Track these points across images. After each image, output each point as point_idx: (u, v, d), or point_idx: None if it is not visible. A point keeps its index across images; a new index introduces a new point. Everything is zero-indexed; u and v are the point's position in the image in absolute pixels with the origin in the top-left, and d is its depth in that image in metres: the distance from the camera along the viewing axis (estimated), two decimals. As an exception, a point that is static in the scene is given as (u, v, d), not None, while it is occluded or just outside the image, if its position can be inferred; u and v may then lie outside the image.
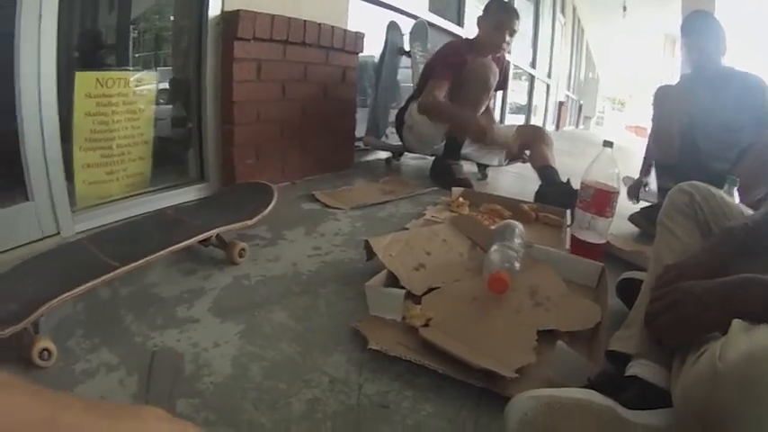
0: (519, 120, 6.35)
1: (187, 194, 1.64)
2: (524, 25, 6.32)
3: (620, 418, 0.68)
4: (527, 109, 6.68)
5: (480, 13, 2.44)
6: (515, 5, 5.31)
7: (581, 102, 13.32)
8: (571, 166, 3.87)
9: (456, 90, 2.24)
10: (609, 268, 1.19)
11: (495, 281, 0.99)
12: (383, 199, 1.84)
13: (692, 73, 2.06)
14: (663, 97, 2.03)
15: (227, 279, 1.06)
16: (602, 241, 1.41)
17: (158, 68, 1.72)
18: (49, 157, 1.20)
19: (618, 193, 1.39)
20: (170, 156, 1.72)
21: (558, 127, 9.25)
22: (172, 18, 1.81)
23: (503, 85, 2.60)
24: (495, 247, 1.09)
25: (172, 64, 1.79)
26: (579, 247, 1.38)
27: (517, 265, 1.05)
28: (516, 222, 1.27)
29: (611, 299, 1.07)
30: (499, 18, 2.36)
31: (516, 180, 2.64)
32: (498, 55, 2.47)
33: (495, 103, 4.88)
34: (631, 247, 1.53)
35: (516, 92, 6.27)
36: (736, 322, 0.63)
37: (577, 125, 12.84)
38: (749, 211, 0.97)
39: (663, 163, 2.10)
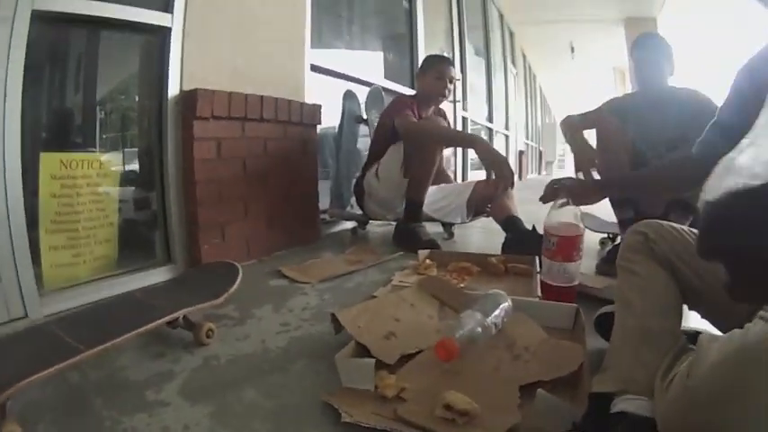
0: (482, 175, 6.56)
1: (154, 276, 1.66)
2: (477, 80, 6.64)
3: None
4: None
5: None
6: (467, 61, 5.64)
7: (541, 148, 13.79)
8: (537, 213, 4.01)
9: (407, 151, 2.31)
10: (584, 307, 1.23)
11: (439, 347, 0.98)
12: (350, 269, 1.86)
13: (638, 90, 2.19)
14: (608, 112, 2.12)
15: (197, 361, 1.07)
16: (574, 283, 1.43)
17: (124, 149, 1.77)
18: (15, 238, 1.24)
19: (582, 234, 1.41)
20: (136, 238, 1.75)
21: (520, 176, 9.52)
22: (137, 98, 1.86)
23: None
24: (463, 313, 1.10)
25: (137, 145, 1.83)
26: (551, 292, 1.41)
27: (478, 331, 1.05)
28: (503, 294, 1.24)
29: (592, 338, 1.12)
30: (438, 68, 2.51)
31: (483, 234, 2.71)
32: (439, 107, 2.64)
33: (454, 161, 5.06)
34: (602, 283, 1.58)
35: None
36: (702, 336, 0.68)
37: (540, 171, 13.24)
38: None
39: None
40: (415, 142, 2.27)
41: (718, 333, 0.92)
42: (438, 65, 2.54)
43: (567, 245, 1.40)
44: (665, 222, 1.02)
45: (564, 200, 1.40)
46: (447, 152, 3.04)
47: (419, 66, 2.65)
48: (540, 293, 1.52)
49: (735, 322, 0.77)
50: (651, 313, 0.91)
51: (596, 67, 11.10)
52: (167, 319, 1.07)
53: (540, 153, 12.88)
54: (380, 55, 4.07)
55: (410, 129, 2.29)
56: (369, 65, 3.89)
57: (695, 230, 0.97)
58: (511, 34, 9.43)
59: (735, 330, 0.65)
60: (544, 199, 1.44)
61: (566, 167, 19.18)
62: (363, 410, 0.86)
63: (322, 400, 0.90)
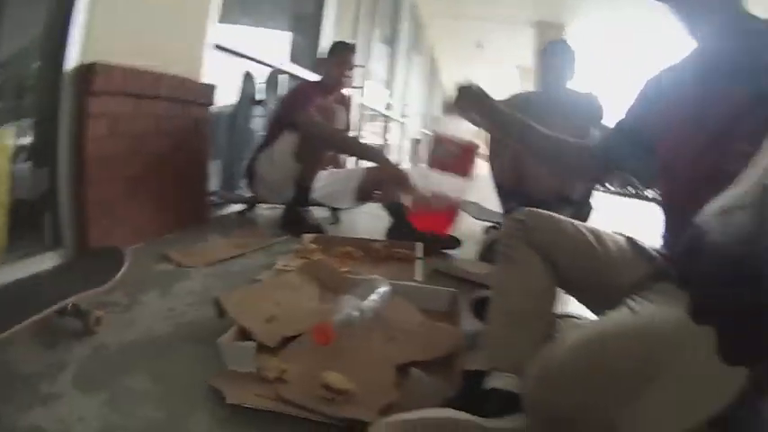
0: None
1: (43, 262, 1.60)
2: (380, 68, 6.78)
3: (480, 428, 0.76)
4: (382, 148, 6.99)
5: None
6: (373, 49, 5.75)
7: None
8: None
9: (304, 139, 2.40)
10: (463, 291, 1.36)
11: (317, 331, 1.03)
12: (236, 253, 1.91)
13: (542, 91, 2.42)
14: (511, 105, 2.30)
15: (87, 350, 1.09)
16: (451, 208, 1.35)
17: (18, 122, 1.66)
18: None
19: (478, 147, 1.31)
20: (26, 220, 1.66)
21: (415, 164, 9.89)
22: (34, 67, 1.75)
23: (348, 128, 2.83)
24: (341, 298, 1.17)
25: (31, 117, 1.72)
26: (428, 219, 1.33)
27: (355, 315, 1.12)
28: (381, 279, 1.31)
29: (469, 320, 1.22)
30: (342, 56, 2.63)
31: (370, 219, 2.82)
32: (342, 94, 2.76)
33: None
34: (484, 270, 1.66)
35: (372, 133, 6.63)
36: (564, 322, 0.79)
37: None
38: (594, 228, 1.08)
39: (499, 182, 2.37)
40: (313, 141, 2.37)
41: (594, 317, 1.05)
42: (342, 52, 2.64)
43: (468, 158, 1.30)
44: (542, 211, 1.06)
45: (462, 109, 1.28)
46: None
47: (325, 52, 2.73)
48: (417, 276, 1.59)
49: (606, 307, 0.89)
50: (524, 297, 0.97)
51: (501, 65, 11.48)
52: (55, 308, 1.08)
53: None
54: (288, 37, 4.05)
55: (311, 131, 2.37)
56: (275, 46, 3.85)
57: (576, 220, 1.07)
58: (420, 25, 9.59)
59: (596, 318, 0.77)
60: (447, 109, 1.36)
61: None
62: (246, 392, 0.92)
63: (208, 383, 0.95)
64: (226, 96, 2.88)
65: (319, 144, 2.43)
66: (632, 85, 1.15)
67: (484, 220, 2.76)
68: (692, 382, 0.68)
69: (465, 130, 1.29)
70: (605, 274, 0.99)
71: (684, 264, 0.63)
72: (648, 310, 0.80)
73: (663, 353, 0.68)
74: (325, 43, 4.13)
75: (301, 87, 2.68)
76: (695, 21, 0.91)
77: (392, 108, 7.61)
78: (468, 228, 2.72)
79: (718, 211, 0.57)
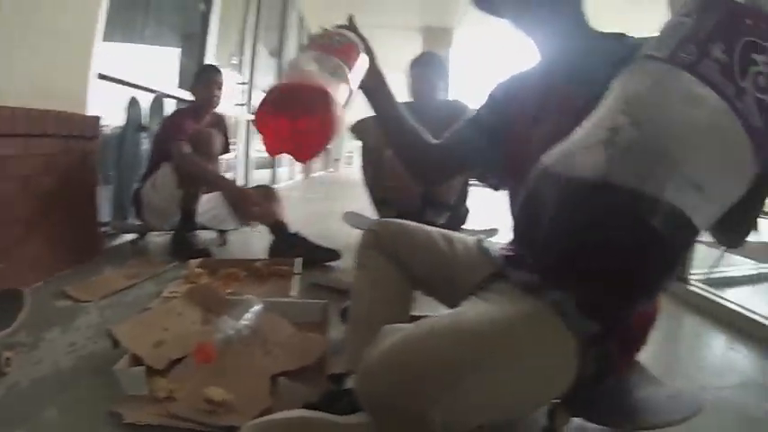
0: (264, 173, 6.83)
1: None
2: (267, 81, 6.84)
3: (331, 423, 0.83)
4: (271, 163, 7.16)
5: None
6: (259, 64, 5.85)
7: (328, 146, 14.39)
8: (320, 212, 4.34)
9: (187, 161, 2.50)
10: (337, 300, 1.53)
11: (198, 351, 1.16)
12: (129, 284, 2.02)
13: (409, 102, 2.47)
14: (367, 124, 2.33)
15: (2, 389, 1.19)
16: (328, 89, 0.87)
17: None
18: None
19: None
20: None
21: (306, 175, 9.95)
22: None
23: (226, 147, 3.01)
24: (219, 320, 1.34)
25: None
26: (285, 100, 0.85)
27: (232, 333, 1.28)
28: (254, 299, 1.45)
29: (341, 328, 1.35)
30: (206, 78, 2.77)
31: (257, 238, 2.94)
32: (217, 114, 2.91)
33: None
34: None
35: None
36: (386, 327, 0.78)
37: (326, 169, 13.88)
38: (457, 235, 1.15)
39: (372, 191, 2.54)
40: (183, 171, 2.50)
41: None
42: (207, 73, 2.81)
43: (356, 55, 0.98)
44: (396, 220, 1.14)
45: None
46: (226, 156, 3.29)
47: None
48: (292, 292, 1.72)
49: (456, 301, 0.96)
50: (378, 302, 1.06)
51: (390, 72, 11.87)
52: None
53: (328, 150, 13.46)
54: (176, 58, 4.13)
55: (180, 163, 2.49)
56: (162, 69, 3.94)
57: (429, 226, 1.15)
58: (308, 37, 9.78)
59: (420, 321, 0.77)
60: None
61: (353, 164, 20.23)
62: (141, 412, 1.05)
63: (109, 409, 1.07)
64: (112, 122, 2.96)
65: (190, 176, 2.55)
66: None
67: (363, 229, 2.95)
68: (532, 367, 0.74)
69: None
70: (454, 276, 1.05)
71: (530, 211, 0.64)
72: (478, 308, 0.85)
73: (492, 344, 0.72)
74: (210, 61, 4.25)
75: (173, 118, 2.78)
76: (537, 35, 0.97)
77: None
78: (348, 237, 2.90)
79: (561, 152, 0.59)
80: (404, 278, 1.09)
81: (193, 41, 4.29)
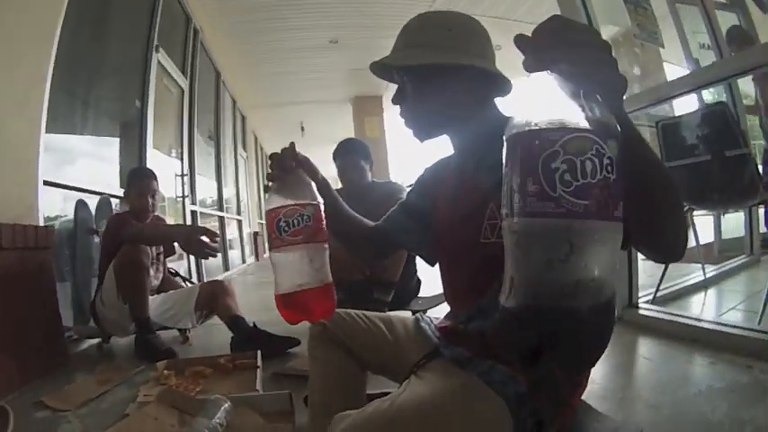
0: (216, 259, 6.86)
1: None
2: (207, 168, 7.00)
3: None
4: (222, 248, 7.26)
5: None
6: (197, 151, 5.96)
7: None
8: (270, 297, 4.44)
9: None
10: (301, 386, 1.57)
11: None
12: (102, 390, 2.07)
13: (345, 187, 2.62)
14: None
15: None
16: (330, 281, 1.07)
17: None
18: None
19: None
20: None
21: (257, 257, 10.02)
22: None
23: (170, 251, 3.09)
24: (194, 421, 1.41)
25: None
26: (313, 304, 1.06)
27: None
28: (223, 399, 1.52)
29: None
30: (138, 185, 2.84)
31: (218, 331, 3.00)
32: (157, 220, 2.98)
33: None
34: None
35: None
36: (337, 415, 0.86)
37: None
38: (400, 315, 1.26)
39: None
40: (140, 242, 2.59)
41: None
42: (137, 181, 2.87)
43: (321, 217, 1.08)
44: (340, 310, 1.20)
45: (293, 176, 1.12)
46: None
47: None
48: (257, 385, 1.83)
49: (402, 380, 1.02)
50: (331, 389, 1.15)
51: (325, 143, 12.22)
52: None
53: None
54: (116, 160, 4.24)
55: (131, 236, 2.57)
56: (104, 171, 4.06)
57: (370, 312, 1.25)
58: (243, 118, 10.05)
59: (365, 407, 0.85)
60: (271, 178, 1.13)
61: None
62: None
63: None
64: (62, 223, 3.07)
65: (146, 242, 2.63)
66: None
67: None
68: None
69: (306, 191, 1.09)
70: (396, 357, 1.14)
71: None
72: (414, 389, 0.90)
73: (428, 424, 0.80)
74: (149, 149, 4.40)
75: (116, 217, 2.87)
76: (448, 135, 1.12)
77: (225, 207, 7.82)
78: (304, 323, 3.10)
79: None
80: (353, 363, 1.19)
81: (132, 136, 4.44)
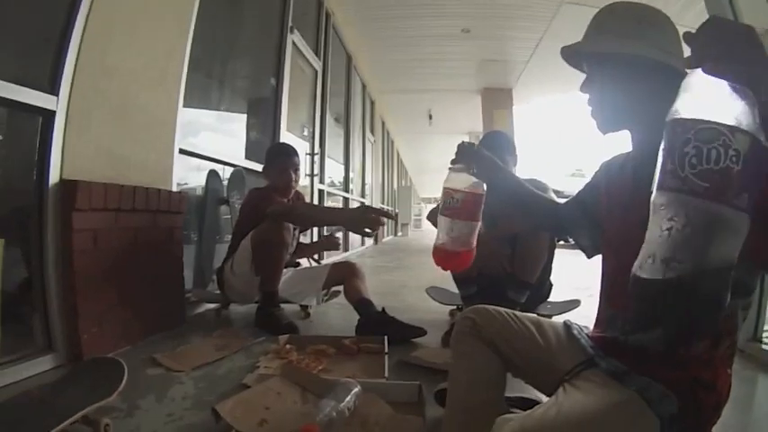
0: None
1: (37, 366, 1.79)
2: (335, 149, 7.16)
3: None
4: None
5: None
6: (327, 132, 6.11)
7: (396, 210, 14.66)
8: (395, 282, 4.39)
9: (254, 248, 2.58)
10: (428, 379, 1.56)
11: None
12: (219, 356, 2.07)
13: None
14: None
15: None
16: (473, 248, 1.48)
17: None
18: None
19: (484, 195, 1.44)
20: (16, 326, 1.82)
21: (376, 241, 10.11)
22: (18, 183, 1.97)
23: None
24: (321, 401, 1.36)
25: (16, 232, 1.91)
26: (449, 260, 1.48)
27: (335, 416, 1.30)
28: (353, 381, 1.47)
29: (435, 408, 1.39)
30: (281, 161, 2.82)
31: (339, 312, 3.01)
32: (297, 195, 2.95)
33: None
34: (442, 359, 1.81)
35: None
36: (499, 419, 0.86)
37: (396, 233, 14.03)
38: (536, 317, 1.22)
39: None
40: (290, 222, 2.58)
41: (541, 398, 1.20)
42: (281, 157, 2.85)
43: (472, 202, 1.44)
44: (490, 307, 1.20)
45: (461, 165, 1.45)
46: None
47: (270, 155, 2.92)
48: (385, 372, 1.79)
49: (549, 388, 1.05)
50: (475, 388, 1.10)
51: (452, 132, 12.18)
52: (73, 419, 1.24)
53: (396, 215, 13.77)
54: (245, 135, 4.34)
55: (283, 213, 2.57)
56: (235, 145, 4.17)
57: (520, 313, 1.22)
58: (372, 102, 10.18)
59: (529, 412, 0.88)
60: (454, 161, 1.48)
61: (422, 227, 20.46)
62: None
63: None
64: (191, 192, 3.14)
65: (296, 222, 2.64)
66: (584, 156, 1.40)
67: (447, 304, 2.97)
68: None
69: (467, 181, 1.44)
70: (547, 362, 1.12)
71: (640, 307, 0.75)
72: (575, 398, 0.93)
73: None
74: (283, 127, 4.49)
75: (259, 192, 2.87)
76: (630, 127, 1.10)
77: (350, 189, 7.96)
78: (431, 311, 3.02)
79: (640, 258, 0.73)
80: (499, 363, 1.16)
81: (266, 114, 4.58)
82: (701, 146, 0.64)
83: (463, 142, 1.48)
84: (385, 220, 2.24)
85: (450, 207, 1.44)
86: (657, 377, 0.90)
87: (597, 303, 1.18)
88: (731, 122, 0.63)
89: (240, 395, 1.50)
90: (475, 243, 1.48)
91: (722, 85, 0.64)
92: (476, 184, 1.44)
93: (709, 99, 0.66)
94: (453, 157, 1.48)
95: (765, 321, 2.37)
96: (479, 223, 1.47)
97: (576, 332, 1.17)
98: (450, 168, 1.47)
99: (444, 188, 1.46)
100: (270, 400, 1.49)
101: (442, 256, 1.47)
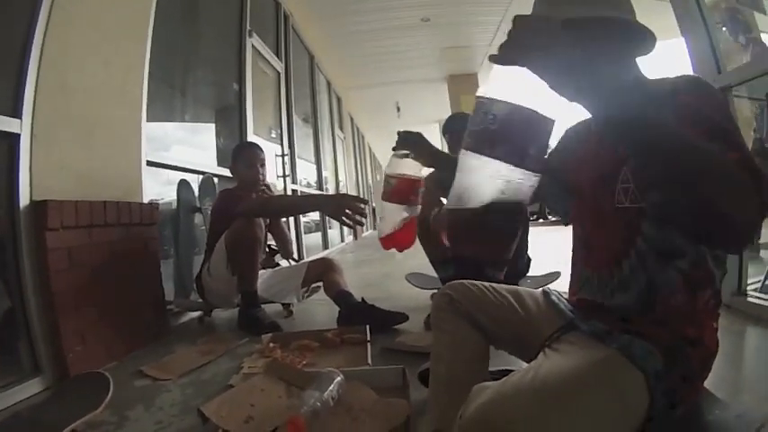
0: (316, 237, 7.03)
1: (25, 390, 1.78)
2: (305, 149, 7.17)
3: None
4: (322, 226, 7.38)
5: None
6: (295, 132, 6.12)
7: (373, 205, 14.61)
8: (375, 274, 4.44)
9: (228, 248, 2.57)
10: (411, 362, 1.57)
11: (289, 424, 1.17)
12: (204, 361, 2.08)
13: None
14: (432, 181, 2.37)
15: None
16: (396, 230, 1.50)
17: None
18: None
19: (421, 181, 1.49)
20: (2, 351, 1.84)
21: (356, 236, 10.16)
22: None
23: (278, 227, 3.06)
24: (305, 393, 1.36)
25: None
26: (389, 241, 1.52)
27: (319, 406, 1.31)
28: (335, 372, 1.47)
29: (420, 390, 1.42)
30: (246, 156, 2.82)
31: (321, 308, 3.03)
32: (265, 187, 2.91)
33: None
34: (426, 342, 1.77)
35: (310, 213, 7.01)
36: (476, 386, 0.84)
37: (375, 228, 14.00)
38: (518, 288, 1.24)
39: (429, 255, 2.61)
40: (265, 216, 2.61)
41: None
42: (245, 152, 2.86)
43: (405, 186, 1.48)
44: (466, 281, 1.21)
45: (405, 151, 1.51)
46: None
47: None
48: (368, 359, 1.82)
49: (532, 356, 1.02)
50: (457, 362, 1.11)
51: (422, 122, 12.07)
52: None
53: (374, 209, 13.71)
54: (213, 142, 4.35)
55: (256, 211, 2.58)
56: (203, 153, 4.17)
57: (497, 284, 1.24)
58: (338, 99, 10.15)
59: (506, 378, 0.84)
60: (395, 148, 1.53)
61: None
62: None
63: None
64: (164, 204, 3.13)
65: (271, 215, 2.67)
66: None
67: (428, 288, 3.02)
68: (609, 409, 0.81)
69: (404, 166, 1.49)
70: (527, 330, 1.13)
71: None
72: (554, 361, 0.91)
73: (572, 395, 0.79)
74: (250, 131, 4.49)
75: (227, 192, 2.87)
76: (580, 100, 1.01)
77: (324, 187, 7.97)
78: (414, 298, 3.05)
79: None
80: (479, 336, 1.16)
81: (232, 119, 4.56)
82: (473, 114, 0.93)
83: (404, 131, 1.55)
84: (363, 206, 2.22)
85: (386, 191, 1.50)
86: (640, 335, 0.91)
87: (570, 267, 1.19)
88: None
89: (225, 394, 1.51)
90: (402, 224, 1.51)
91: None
92: (413, 169, 1.49)
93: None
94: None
95: (749, 275, 2.43)
96: (417, 207, 1.52)
97: (554, 298, 1.18)
98: (392, 156, 1.52)
99: (385, 174, 1.52)
100: (255, 397, 1.50)
101: (382, 237, 1.53)
